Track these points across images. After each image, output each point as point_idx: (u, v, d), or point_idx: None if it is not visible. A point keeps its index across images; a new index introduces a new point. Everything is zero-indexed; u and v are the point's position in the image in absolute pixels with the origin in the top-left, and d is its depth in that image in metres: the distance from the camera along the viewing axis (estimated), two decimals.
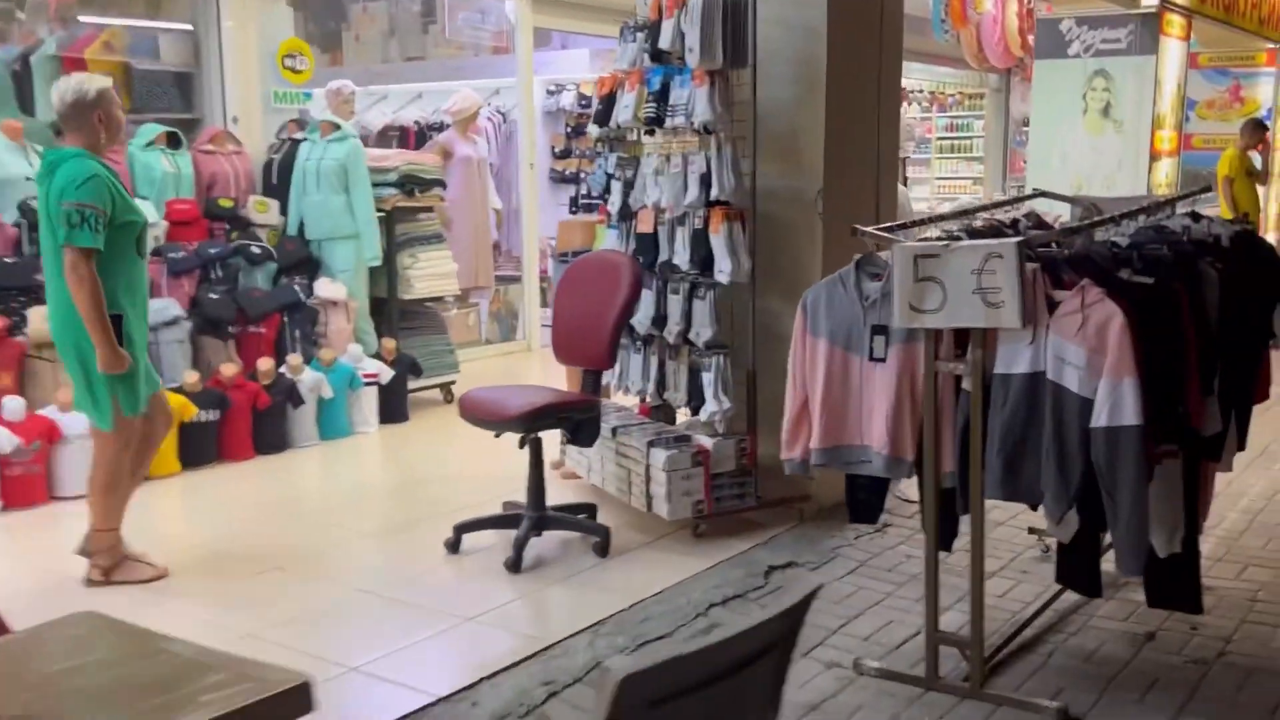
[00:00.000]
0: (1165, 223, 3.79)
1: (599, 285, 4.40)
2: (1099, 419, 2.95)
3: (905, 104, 16.00)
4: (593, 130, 5.06)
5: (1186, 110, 11.36)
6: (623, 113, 4.69)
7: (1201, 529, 4.00)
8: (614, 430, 4.64)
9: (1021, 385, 3.10)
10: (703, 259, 4.49)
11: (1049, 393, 3.05)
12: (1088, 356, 2.97)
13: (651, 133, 4.70)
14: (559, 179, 10.39)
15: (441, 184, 6.87)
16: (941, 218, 4.14)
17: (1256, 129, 10.04)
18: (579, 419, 4.30)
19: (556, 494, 4.85)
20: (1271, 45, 10.95)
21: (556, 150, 10.45)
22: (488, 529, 4.38)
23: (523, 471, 4.36)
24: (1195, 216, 3.98)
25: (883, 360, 3.39)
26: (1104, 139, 7.75)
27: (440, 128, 8.74)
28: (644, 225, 4.72)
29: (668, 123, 4.49)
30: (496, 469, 4.86)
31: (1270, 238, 11.30)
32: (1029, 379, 3.09)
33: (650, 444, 4.43)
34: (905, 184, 13.47)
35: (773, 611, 1.43)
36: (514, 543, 4.16)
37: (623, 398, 5.19)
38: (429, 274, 6.79)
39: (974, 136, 16.54)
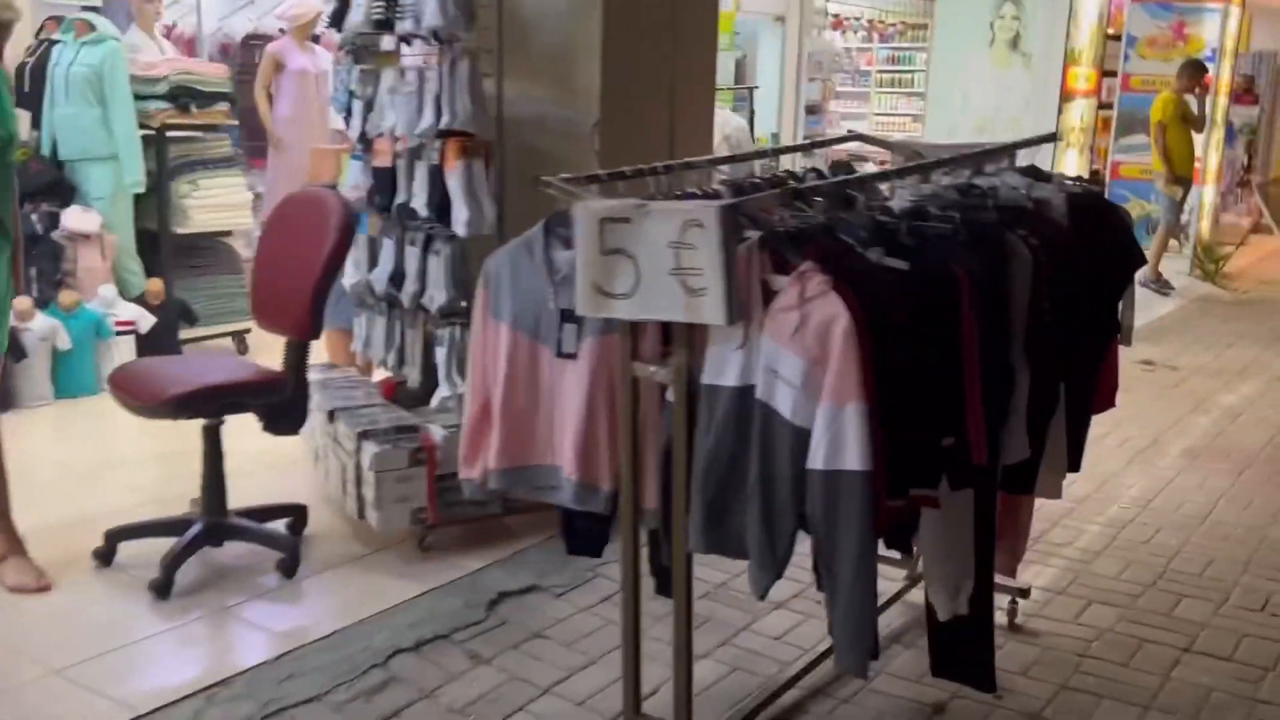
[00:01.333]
0: (994, 181, 2.92)
1: (302, 233, 3.49)
2: (815, 458, 2.11)
3: (839, 31, 14.98)
4: (332, 35, 4.09)
5: (1126, 48, 10.43)
6: (356, 11, 3.75)
7: (1014, 572, 3.20)
8: (330, 414, 3.77)
9: (729, 403, 2.24)
10: (441, 204, 3.59)
11: (758, 416, 2.19)
12: (805, 370, 2.11)
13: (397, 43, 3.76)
14: None
15: (228, 98, 5.87)
16: (716, 161, 3.25)
17: (1195, 70, 9.15)
18: (267, 403, 3.41)
19: (273, 487, 3.99)
20: None
21: None
22: (151, 536, 3.50)
23: (279, 457, 3.47)
24: (1035, 172, 3.12)
25: (573, 357, 2.53)
26: (1011, 74, 6.85)
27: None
28: (381, 158, 3.81)
29: (397, 27, 3.55)
30: (253, 446, 3.84)
31: (1208, 191, 10.47)
32: (738, 395, 2.23)
33: (362, 435, 3.55)
34: (825, 118, 12.50)
35: None
36: (163, 560, 3.29)
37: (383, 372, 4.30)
38: (212, 204, 5.83)
39: (916, 70, 15.59)
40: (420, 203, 3.65)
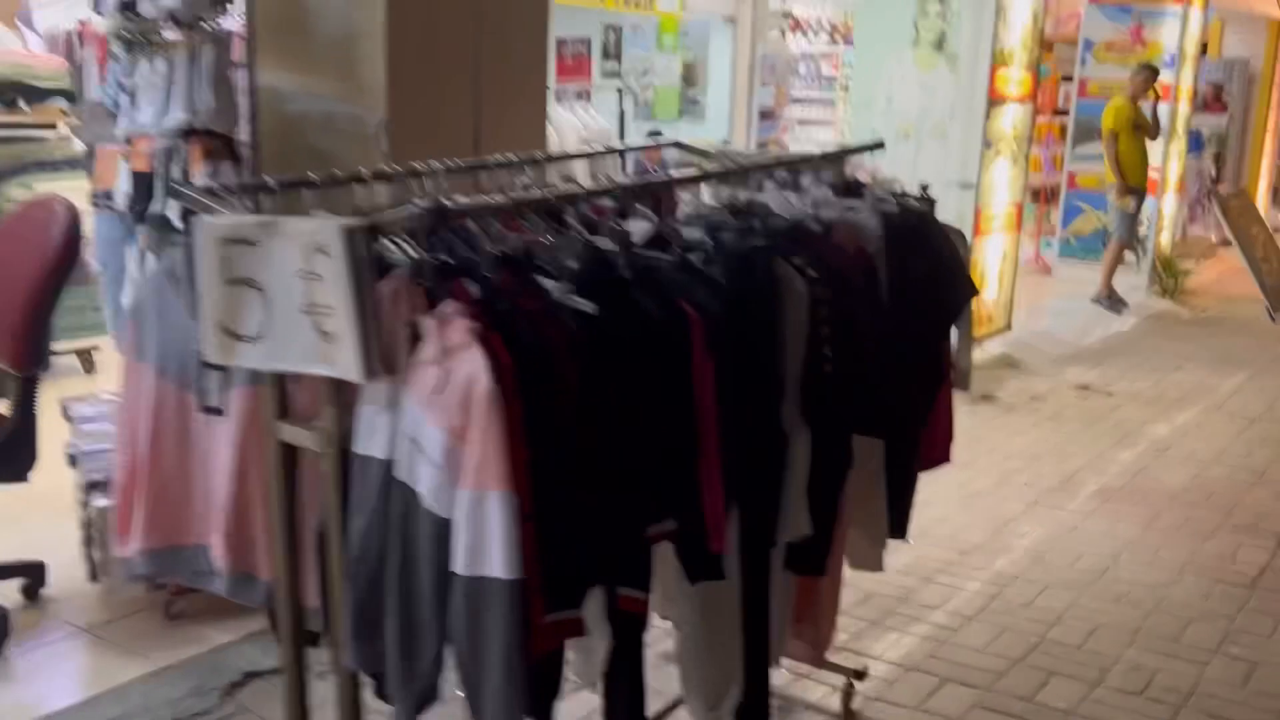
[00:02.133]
0: (782, 198, 2.41)
1: (20, 247, 2.98)
2: (456, 559, 1.61)
3: (799, 34, 14.48)
4: (99, 22, 3.60)
5: (1083, 52, 9.95)
6: None
7: (820, 661, 2.70)
8: (72, 459, 3.26)
9: (377, 479, 1.74)
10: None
11: (399, 498, 1.69)
12: (446, 443, 1.61)
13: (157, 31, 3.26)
14: None
15: (67, 94, 5.37)
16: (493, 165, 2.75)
17: (1148, 75, 8.65)
18: None
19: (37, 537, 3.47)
20: None
21: None
22: None
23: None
24: (852, 187, 2.62)
25: (220, 413, 2.02)
26: (935, 76, 6.36)
27: None
28: (138, 160, 3.30)
29: (140, 7, 3.05)
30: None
31: (1169, 201, 9.97)
32: (384, 469, 1.73)
33: (91, 486, 3.04)
34: (779, 124, 11.97)
35: None
36: None
37: None
38: None
39: None
40: (174, 213, 3.14)
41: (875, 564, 2.59)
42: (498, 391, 1.56)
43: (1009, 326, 7.09)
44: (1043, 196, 10.39)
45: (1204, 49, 11.16)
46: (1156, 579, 3.85)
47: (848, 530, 2.46)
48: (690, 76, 12.33)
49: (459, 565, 1.60)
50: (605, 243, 1.89)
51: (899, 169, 6.76)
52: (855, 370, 2.18)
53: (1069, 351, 7.43)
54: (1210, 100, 12.69)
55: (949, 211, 6.29)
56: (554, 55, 13.08)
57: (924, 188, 2.58)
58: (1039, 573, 3.87)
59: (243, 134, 3.09)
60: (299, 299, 1.73)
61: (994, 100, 6.35)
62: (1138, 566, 3.95)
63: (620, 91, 10.92)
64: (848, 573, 2.71)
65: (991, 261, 6.71)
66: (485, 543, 1.58)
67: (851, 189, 2.57)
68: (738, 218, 2.19)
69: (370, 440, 1.74)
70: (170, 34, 3.20)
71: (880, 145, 2.69)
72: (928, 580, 3.76)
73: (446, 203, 1.77)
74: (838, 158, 2.67)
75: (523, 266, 1.79)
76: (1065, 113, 10.18)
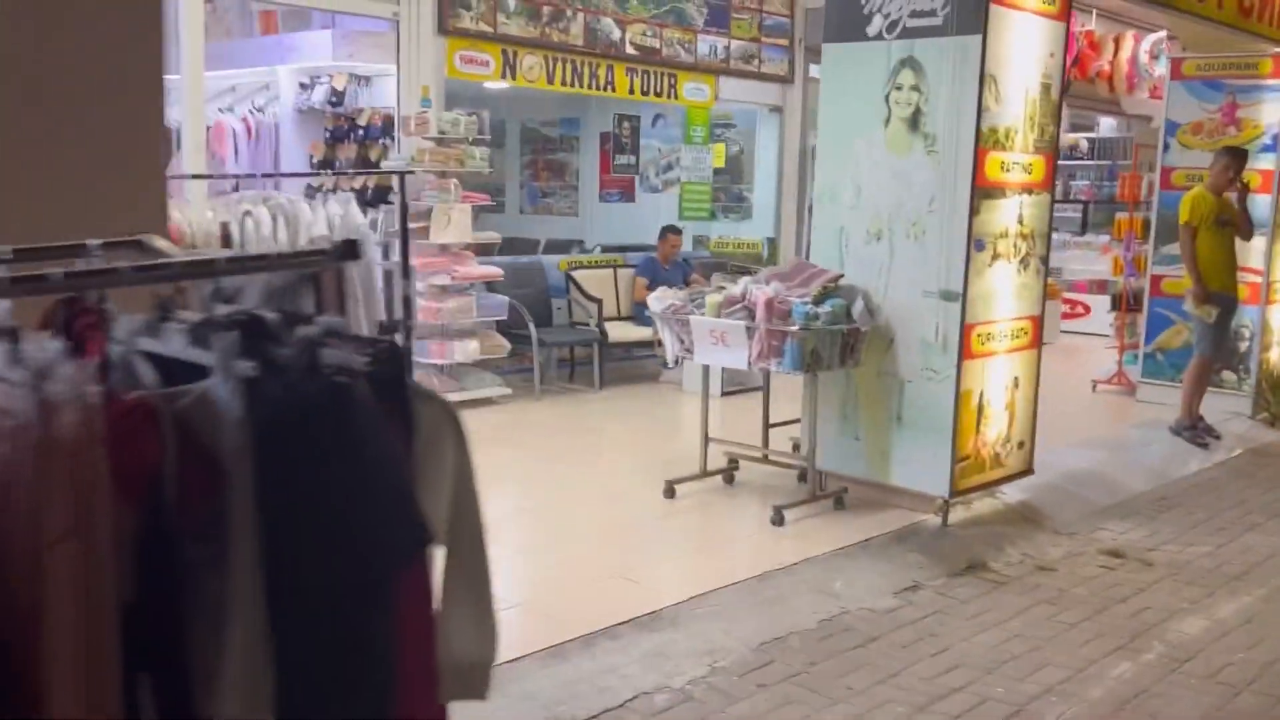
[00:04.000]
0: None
1: None
2: None
3: None
4: None
5: (1165, 136, 8.48)
6: None
7: None
8: None
9: None
10: None
11: None
12: None
13: None
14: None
15: None
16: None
17: (1233, 160, 7.16)
18: None
19: None
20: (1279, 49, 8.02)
21: (315, 160, 8.27)
22: None
23: None
24: (283, 323, 1.49)
25: None
26: (910, 162, 5.13)
27: None
28: None
29: None
30: None
31: (1276, 313, 8.29)
32: None
33: None
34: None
35: None
36: None
37: None
38: None
39: None
40: None
41: None
42: None
43: (1030, 470, 5.66)
44: (1123, 303, 8.86)
45: None
46: None
47: None
48: (734, 170, 11.31)
49: None
50: None
51: (869, 277, 5.54)
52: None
53: (1116, 500, 5.94)
54: None
55: (926, 328, 5.04)
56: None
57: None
58: None
59: None
60: None
61: (985, 189, 5.08)
62: None
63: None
64: None
65: (995, 390, 5.34)
66: None
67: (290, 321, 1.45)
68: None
69: None
70: None
71: (350, 251, 1.55)
72: None
73: None
74: (301, 264, 1.56)
75: None
76: (1144, 205, 8.71)
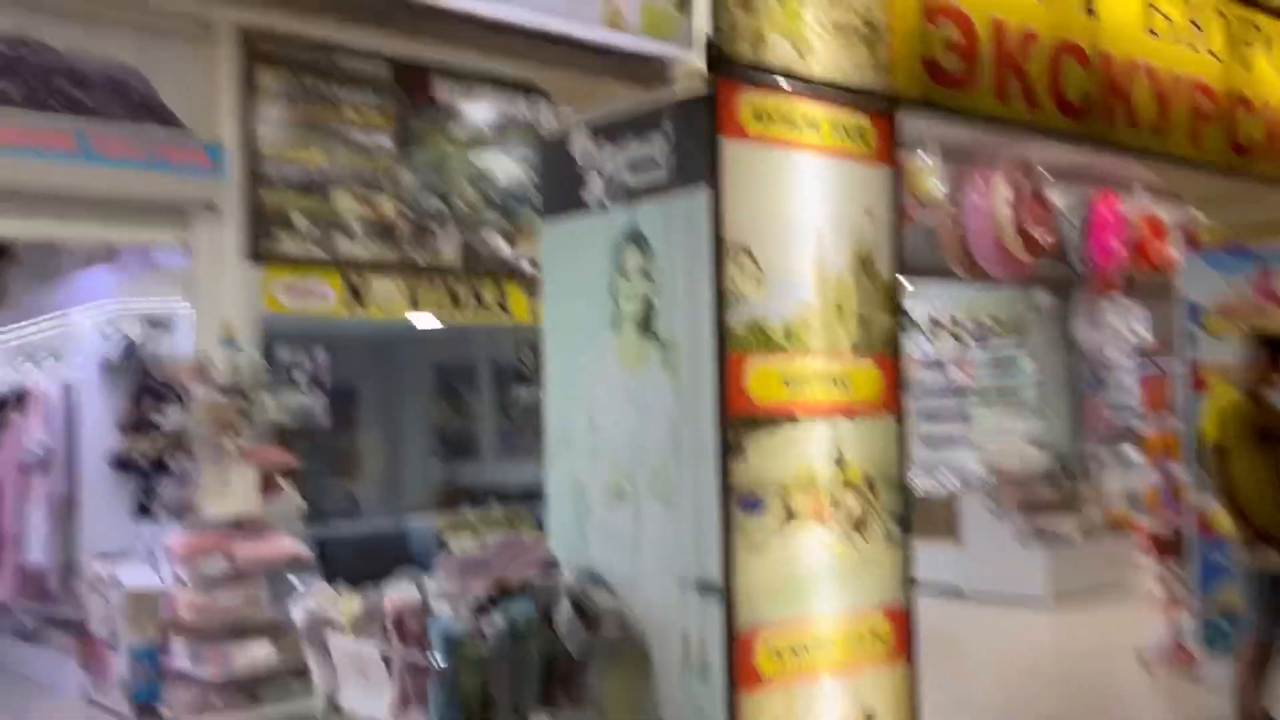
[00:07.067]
0: None
1: None
2: None
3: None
4: None
5: (1189, 322, 6.43)
6: None
7: None
8: None
9: None
10: None
11: None
12: None
13: None
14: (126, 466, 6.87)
15: None
16: None
17: (1262, 350, 5.10)
18: None
19: None
20: None
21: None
22: None
23: None
24: None
25: None
26: (647, 379, 3.37)
27: None
28: None
29: None
30: None
31: None
32: None
33: None
34: None
35: None
36: None
37: None
38: None
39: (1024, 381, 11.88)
40: None
41: None
42: None
43: None
44: (1164, 546, 6.57)
45: None
46: None
47: None
48: None
49: None
50: None
51: (614, 558, 3.62)
52: None
53: None
54: None
55: (690, 629, 3.03)
56: None
57: None
58: None
59: None
60: None
61: (750, 417, 3.24)
62: None
63: None
64: None
65: None
66: None
67: None
68: None
69: None
70: None
71: None
72: None
73: None
74: None
75: None
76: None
